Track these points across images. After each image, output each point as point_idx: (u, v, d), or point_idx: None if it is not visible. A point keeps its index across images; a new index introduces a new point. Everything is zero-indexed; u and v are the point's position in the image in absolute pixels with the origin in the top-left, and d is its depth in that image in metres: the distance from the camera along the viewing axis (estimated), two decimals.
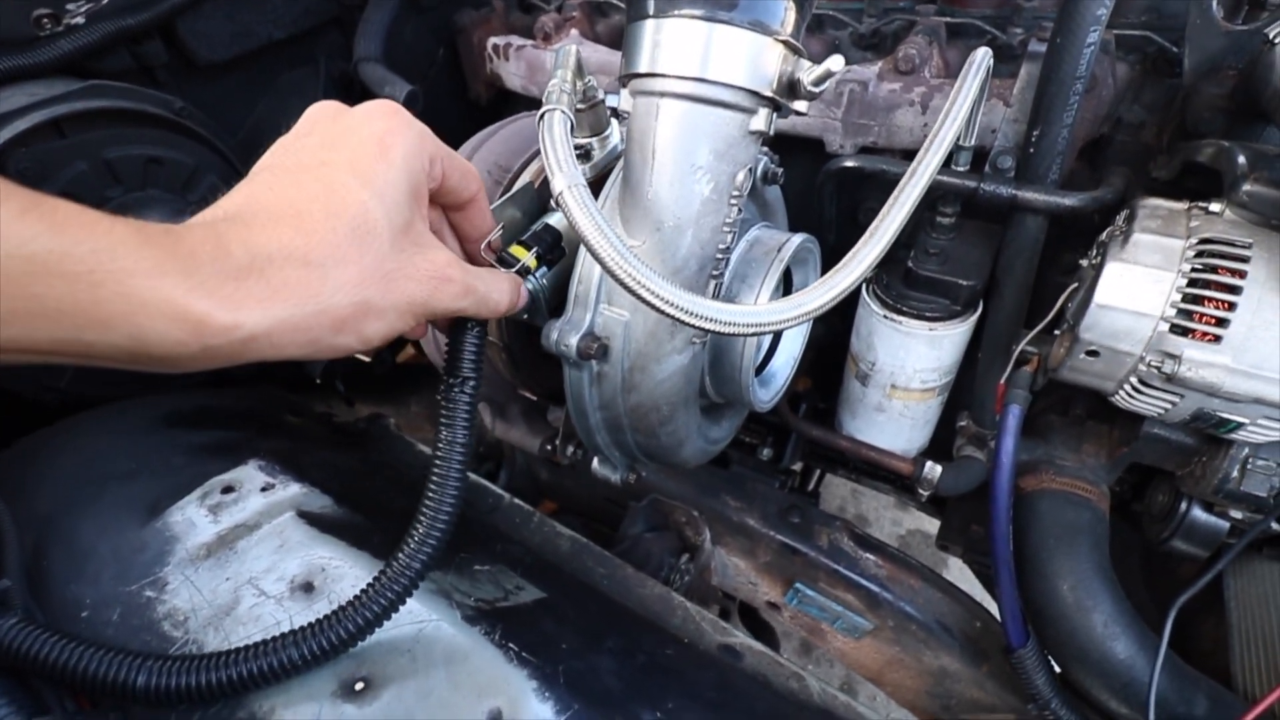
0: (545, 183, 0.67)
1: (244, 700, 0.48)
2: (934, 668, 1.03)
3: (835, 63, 0.44)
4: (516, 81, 1.21)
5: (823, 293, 0.45)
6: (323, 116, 0.47)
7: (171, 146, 0.85)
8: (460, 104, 1.32)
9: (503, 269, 0.54)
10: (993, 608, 1.07)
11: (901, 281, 0.91)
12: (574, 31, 1.18)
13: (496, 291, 0.49)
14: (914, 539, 2.09)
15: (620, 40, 1.20)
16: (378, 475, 0.86)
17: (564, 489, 1.29)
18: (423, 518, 0.50)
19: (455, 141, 0.84)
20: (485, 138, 0.73)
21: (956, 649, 1.00)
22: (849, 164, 0.88)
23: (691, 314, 0.40)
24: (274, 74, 1.06)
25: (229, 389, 0.98)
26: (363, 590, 0.49)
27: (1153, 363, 0.70)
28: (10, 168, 0.73)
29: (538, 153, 0.70)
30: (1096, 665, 0.83)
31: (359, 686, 0.49)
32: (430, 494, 0.50)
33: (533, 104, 1.17)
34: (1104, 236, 0.78)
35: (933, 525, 2.14)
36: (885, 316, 0.91)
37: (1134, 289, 0.70)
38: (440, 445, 0.50)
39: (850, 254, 0.48)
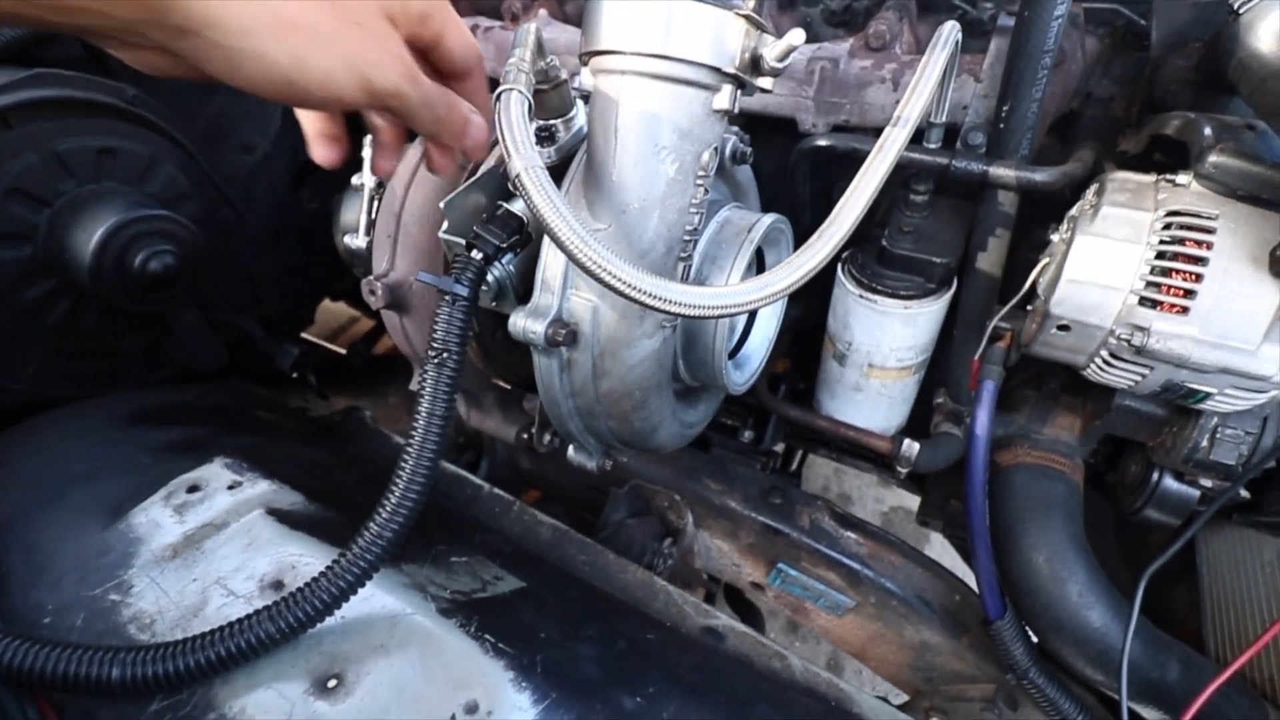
0: None
1: (215, 701, 0.47)
2: (915, 641, 1.04)
3: (796, 36, 0.43)
4: (485, 64, 1.18)
5: (789, 272, 0.45)
6: None
7: (125, 136, 0.83)
8: None
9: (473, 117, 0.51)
10: (973, 581, 1.08)
11: (876, 260, 0.91)
12: (542, 12, 1.16)
13: (445, 106, 0.48)
14: (896, 515, 2.12)
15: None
16: (352, 469, 0.85)
17: (546, 477, 1.29)
18: (393, 492, 0.50)
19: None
20: None
21: (937, 622, 1.02)
22: (821, 143, 0.88)
23: (655, 297, 0.40)
24: None
25: (194, 385, 0.96)
26: (340, 556, 0.49)
27: (1122, 336, 0.71)
28: None
29: None
30: (1072, 634, 0.84)
31: (331, 684, 0.49)
32: (402, 468, 0.50)
33: None
34: (1074, 211, 0.78)
35: (915, 501, 2.17)
36: (861, 296, 0.91)
37: (1103, 263, 0.70)
38: (417, 420, 0.49)
39: (817, 233, 0.47)
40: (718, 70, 0.48)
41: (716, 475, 1.11)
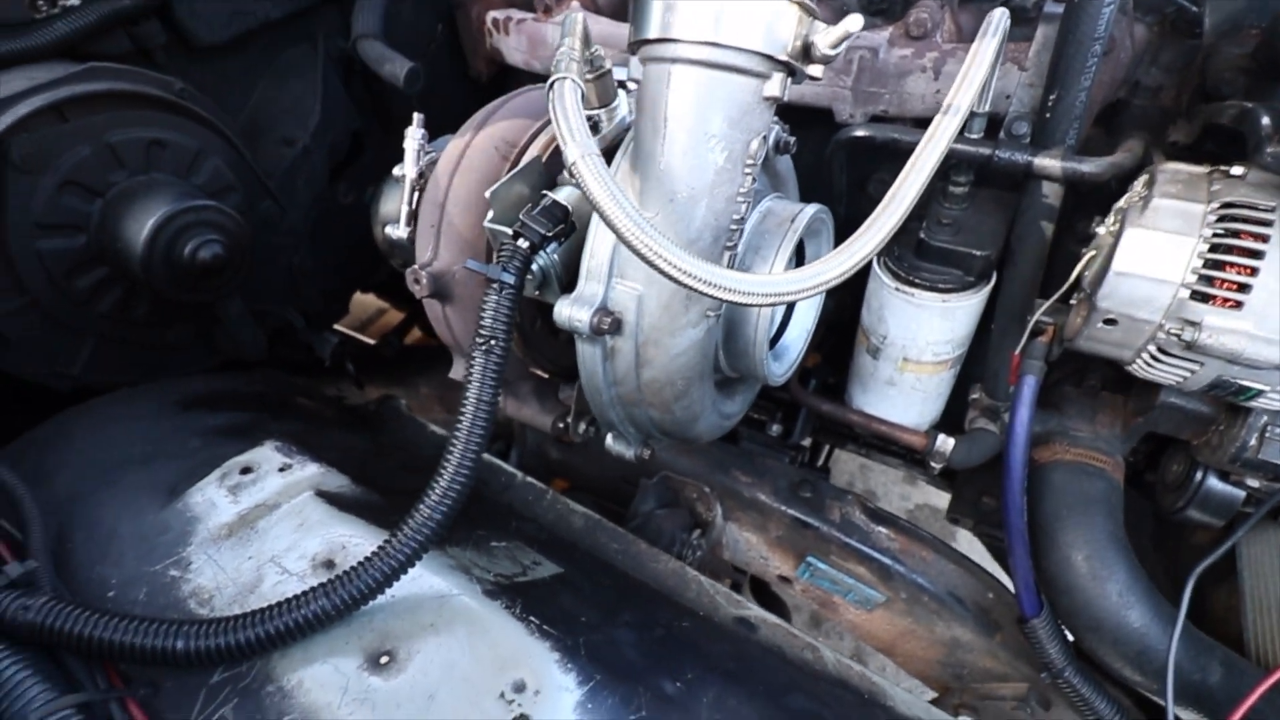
0: (552, 157, 0.67)
1: (273, 674, 0.49)
2: (946, 638, 1.04)
3: (853, 23, 0.43)
4: (518, 56, 1.19)
5: (841, 261, 0.45)
6: None
7: (174, 129, 0.85)
8: (461, 82, 1.30)
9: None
10: (1004, 579, 1.07)
11: (913, 253, 0.90)
12: (574, 3, 1.16)
13: None
14: (922, 513, 2.10)
15: (622, 12, 1.18)
16: (390, 456, 0.87)
17: (575, 467, 1.30)
18: (442, 475, 0.51)
19: (457, 121, 0.83)
20: (490, 113, 0.72)
21: (969, 620, 1.01)
22: (859, 133, 0.87)
23: (711, 284, 0.40)
24: (272, 54, 1.05)
25: (237, 373, 0.98)
26: (392, 536, 0.50)
27: (1172, 330, 0.69)
28: (13, 153, 0.73)
29: (544, 127, 0.69)
30: (1111, 634, 0.83)
31: (384, 660, 0.50)
32: (450, 452, 0.51)
33: (534, 79, 1.15)
34: (1122, 203, 0.76)
35: (941, 500, 2.14)
36: (897, 289, 0.90)
37: (1154, 255, 0.68)
38: (465, 406, 0.50)
39: (868, 222, 0.47)
40: (769, 58, 0.47)
41: (746, 468, 1.11)
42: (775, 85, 0.49)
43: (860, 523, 1.04)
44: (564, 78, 0.46)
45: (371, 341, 1.50)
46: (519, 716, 0.48)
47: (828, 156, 0.93)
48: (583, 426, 0.82)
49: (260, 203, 0.96)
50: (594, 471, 1.28)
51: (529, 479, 0.95)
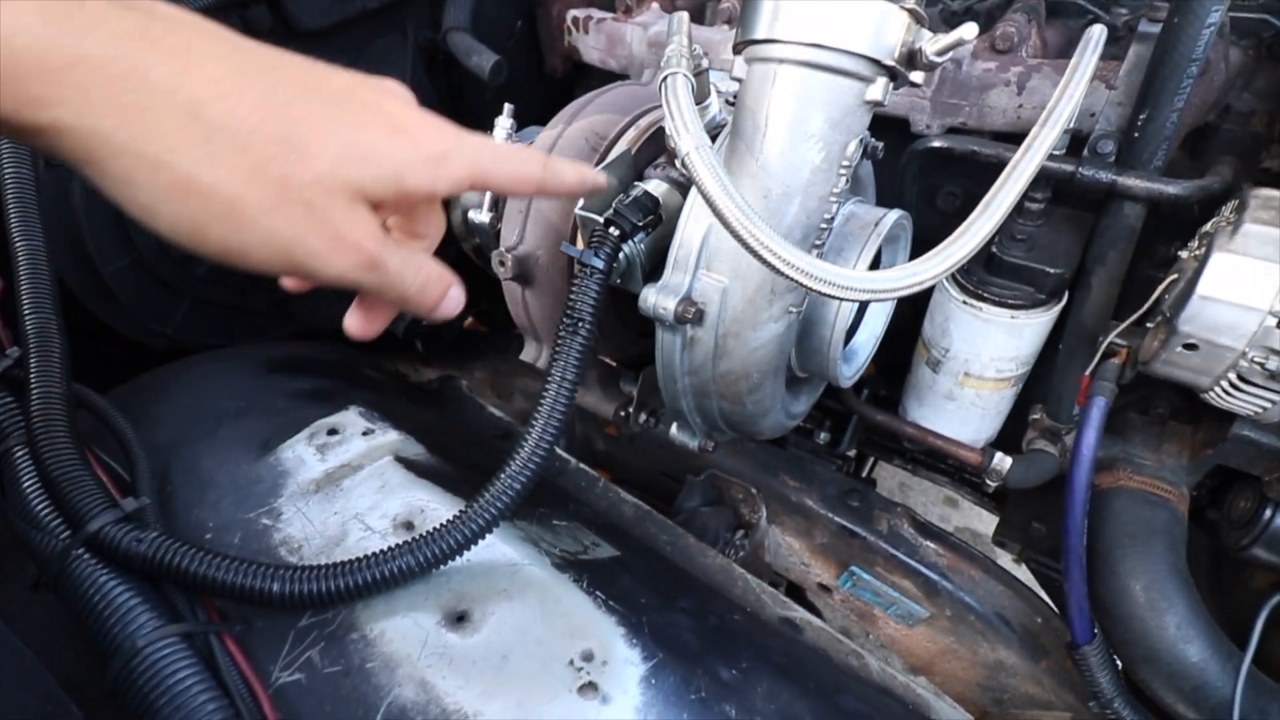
0: (641, 150, 0.69)
1: (356, 623, 0.51)
2: (990, 660, 1.02)
3: (968, 31, 0.44)
4: (595, 55, 1.21)
5: (936, 264, 0.45)
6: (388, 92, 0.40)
7: None
8: (535, 77, 1.33)
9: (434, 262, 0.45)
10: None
11: (983, 267, 0.90)
12: (654, 5, 1.18)
13: (414, 277, 0.41)
14: (962, 536, 2.06)
15: (699, 15, 1.20)
16: (457, 432, 0.90)
17: (619, 460, 1.32)
18: (523, 447, 0.53)
19: (530, 115, 0.86)
20: (581, 106, 0.75)
21: (1015, 642, 0.99)
22: (937, 144, 0.87)
23: (813, 277, 0.41)
24: (365, 42, 1.09)
25: (312, 343, 1.03)
26: (473, 502, 0.52)
27: (1255, 359, 0.68)
28: None
29: (634, 121, 0.71)
30: (1167, 667, 0.81)
31: (460, 619, 0.52)
32: (532, 425, 0.53)
33: (609, 78, 1.18)
34: (1209, 227, 0.75)
35: (982, 524, 2.10)
36: (965, 302, 0.90)
37: (1241, 281, 0.67)
38: (549, 382, 0.52)
39: (963, 227, 0.48)
40: (875, 62, 0.48)
41: (795, 472, 1.11)
42: (878, 89, 0.50)
43: (908, 535, 1.03)
44: (676, 72, 0.48)
45: (431, 324, 1.54)
46: (587, 684, 0.49)
47: (901, 166, 0.93)
48: (643, 417, 0.83)
49: None
50: (639, 465, 1.29)
51: (582, 465, 0.97)
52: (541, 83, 1.33)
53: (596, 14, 1.21)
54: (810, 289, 0.42)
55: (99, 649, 0.48)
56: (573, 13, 1.23)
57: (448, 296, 0.44)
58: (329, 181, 0.35)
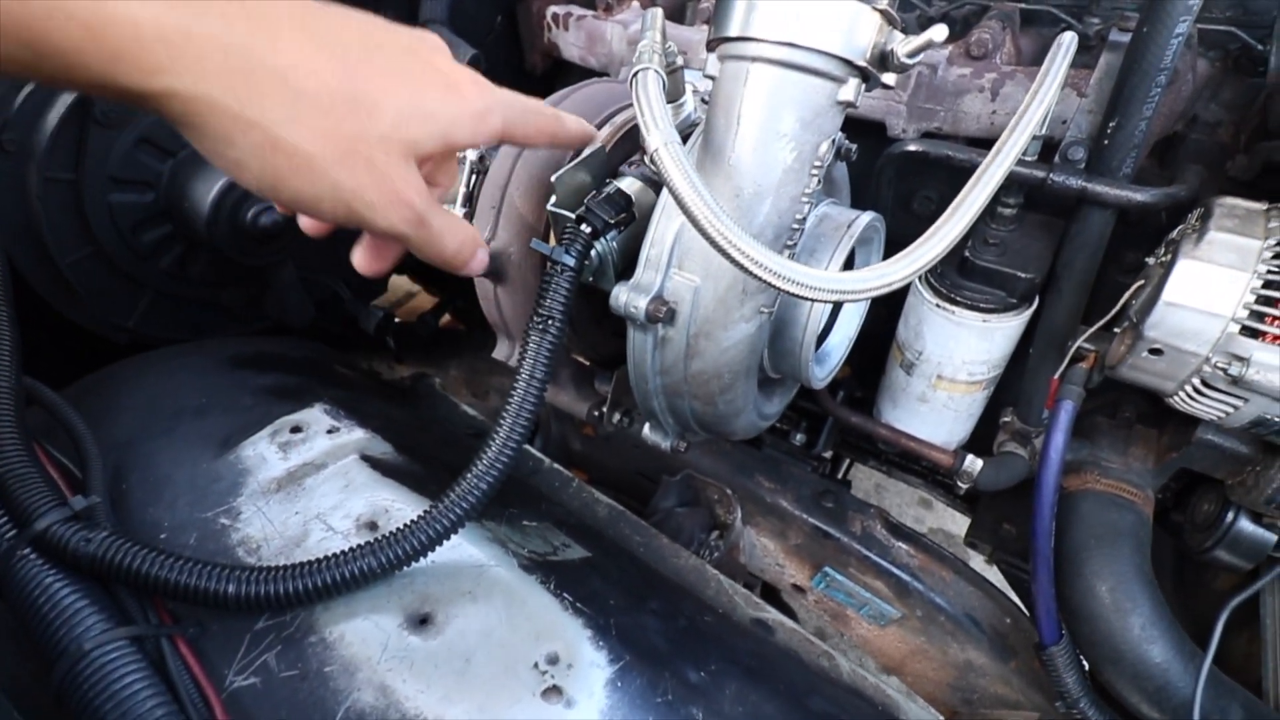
0: (615, 147, 0.68)
1: (315, 625, 0.50)
2: (959, 660, 1.03)
3: (938, 32, 0.44)
4: (574, 52, 1.21)
5: (905, 265, 0.45)
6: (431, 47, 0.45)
7: None
8: (515, 74, 1.32)
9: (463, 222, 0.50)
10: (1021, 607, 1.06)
11: (956, 271, 0.91)
12: (634, 3, 1.18)
13: (453, 243, 0.47)
14: (936, 538, 2.08)
15: (679, 14, 1.20)
16: (428, 430, 0.88)
17: (595, 460, 1.31)
18: (490, 447, 0.52)
19: None
20: (557, 101, 0.74)
21: (985, 643, 1.00)
22: (912, 148, 0.87)
23: (782, 277, 0.41)
24: None
25: (282, 339, 1.01)
26: (438, 502, 0.52)
27: (1219, 364, 0.69)
28: (96, 109, 0.75)
29: (609, 118, 0.71)
30: (1131, 667, 0.82)
31: (423, 621, 0.51)
32: (500, 425, 0.52)
33: (589, 75, 1.17)
34: (1175, 234, 0.76)
35: (956, 525, 2.13)
36: (937, 305, 0.90)
37: (1205, 288, 0.68)
38: (517, 381, 0.52)
39: (933, 229, 0.48)
40: (847, 62, 0.48)
41: (770, 473, 1.11)
42: (850, 90, 0.50)
43: (881, 537, 1.04)
44: (647, 68, 0.47)
45: (405, 321, 1.52)
46: (552, 687, 0.49)
47: (876, 170, 0.93)
48: (617, 417, 0.83)
49: None
50: (614, 465, 1.29)
51: (556, 466, 0.96)
52: (521, 79, 1.32)
53: (577, 11, 1.20)
54: (780, 289, 0.41)
55: (44, 653, 0.46)
56: (553, 9, 1.22)
57: (476, 257, 0.50)
58: (391, 140, 0.40)
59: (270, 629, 0.50)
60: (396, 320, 1.20)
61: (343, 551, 0.50)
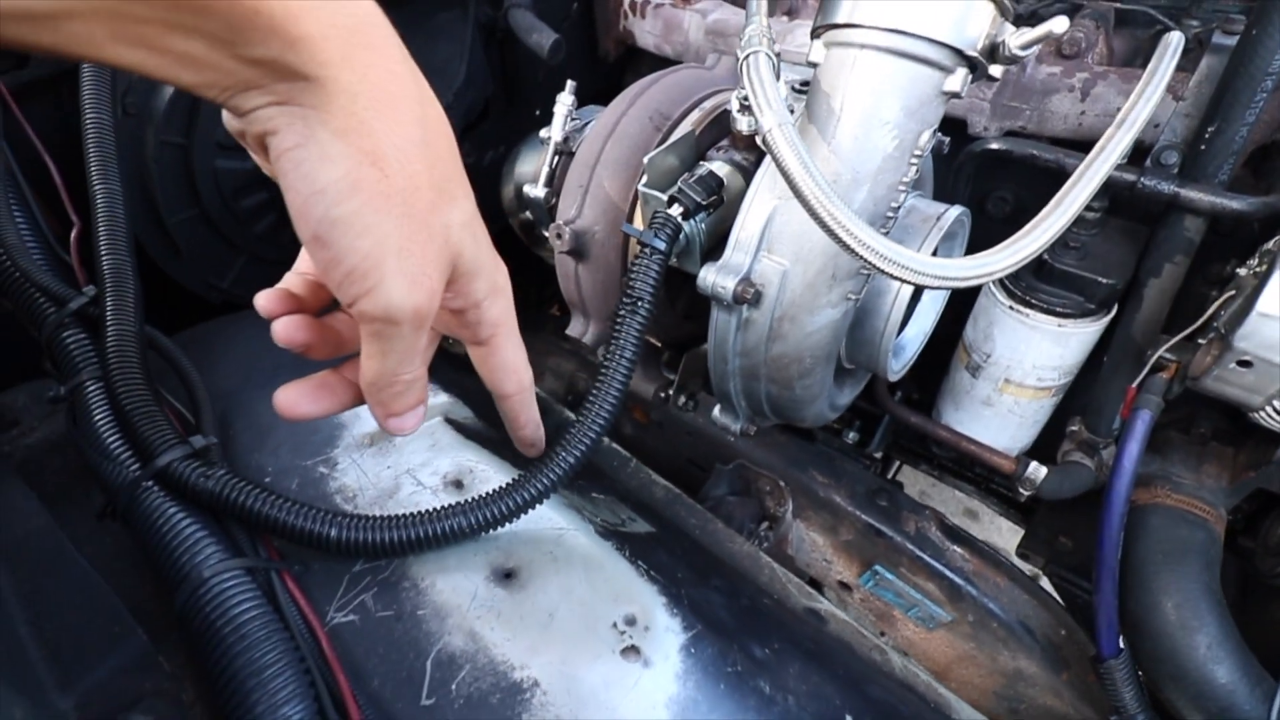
0: (705, 131, 0.69)
1: (409, 573, 0.53)
2: (1009, 669, 1.02)
3: (1059, 24, 0.44)
4: (650, 40, 1.22)
5: (1008, 255, 0.45)
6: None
7: None
8: (588, 60, 1.34)
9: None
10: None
11: (1033, 274, 0.89)
12: None
13: (417, 367, 0.44)
14: None
15: (765, 4, 1.20)
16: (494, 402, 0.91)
17: (647, 446, 1.32)
18: (581, 420, 0.54)
19: (581, 97, 0.87)
20: (646, 86, 0.75)
21: (1037, 652, 0.99)
22: (996, 146, 0.86)
23: (889, 260, 0.42)
24: (427, 15, 1.11)
25: None
26: (530, 471, 0.54)
27: None
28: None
29: (698, 103, 0.72)
30: (1194, 687, 0.80)
31: (508, 576, 0.53)
32: (591, 400, 0.54)
33: (662, 64, 1.18)
34: (1271, 245, 0.74)
35: (1001, 538, 2.08)
36: (1011, 308, 0.89)
37: None
38: (608, 359, 0.53)
39: (1033, 223, 0.48)
40: (957, 52, 0.49)
41: (824, 468, 1.11)
42: (957, 80, 0.50)
43: (935, 538, 1.03)
44: (758, 51, 0.48)
45: None
46: (630, 647, 0.50)
47: (956, 167, 0.93)
48: (683, 399, 0.84)
49: None
50: (665, 452, 1.30)
51: (615, 445, 0.98)
52: (594, 66, 1.34)
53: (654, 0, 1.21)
54: (886, 272, 0.42)
55: (165, 578, 0.50)
56: None
57: (413, 412, 0.47)
58: (454, 235, 0.39)
59: (367, 572, 0.53)
60: None
61: (435, 509, 0.53)
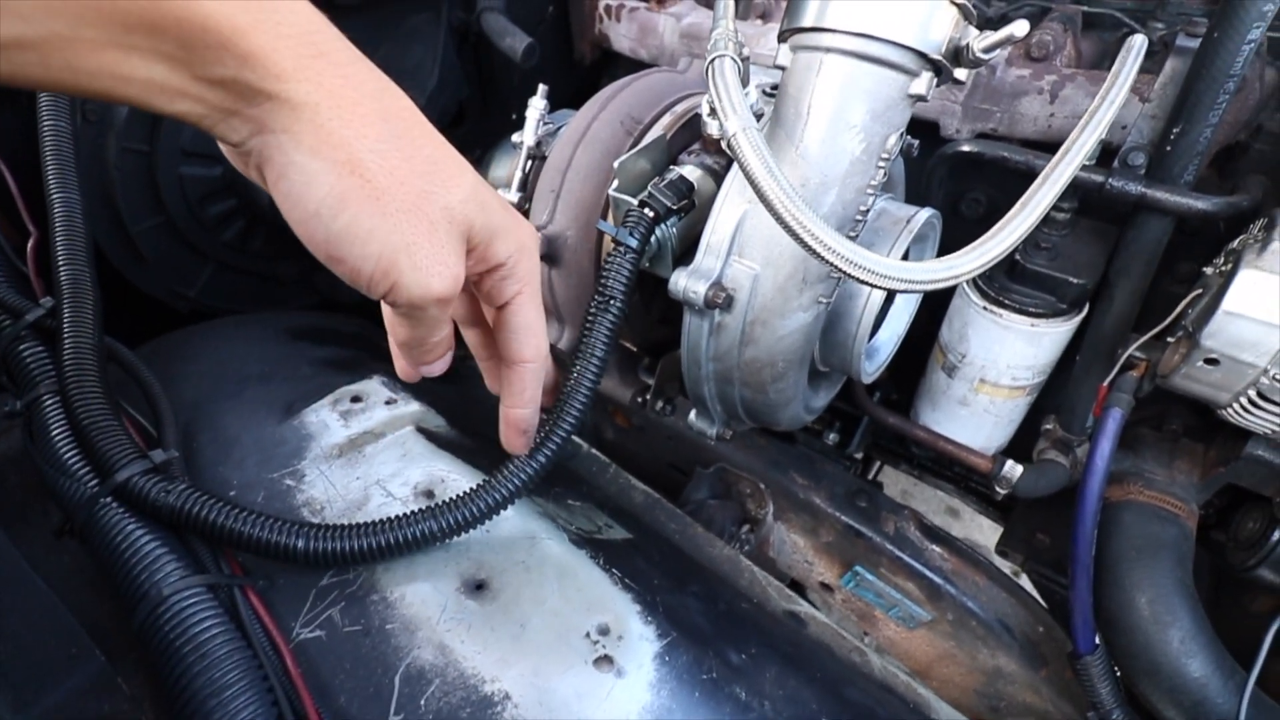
0: (675, 136, 0.69)
1: (377, 585, 0.52)
2: (988, 667, 1.02)
3: (1020, 28, 0.44)
4: (625, 43, 1.22)
5: (974, 258, 0.46)
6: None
7: None
8: (563, 63, 1.33)
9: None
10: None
11: (1005, 274, 0.90)
12: None
13: (445, 328, 0.46)
14: None
15: (732, 7, 1.20)
16: (472, 408, 0.90)
17: (627, 450, 1.32)
18: (553, 415, 0.54)
19: (557, 100, 0.86)
20: (617, 90, 0.75)
21: (1016, 650, 0.99)
22: (967, 149, 0.87)
23: (854, 264, 0.42)
24: (399, 18, 1.10)
25: (331, 314, 1.03)
26: (497, 472, 0.53)
27: (1277, 376, 0.68)
28: None
29: (669, 107, 0.72)
30: (1168, 681, 0.81)
31: (479, 586, 0.53)
32: (559, 402, 0.53)
33: (638, 67, 1.18)
34: (1236, 244, 0.75)
35: (982, 535, 2.10)
36: (985, 308, 0.90)
37: (1267, 298, 0.67)
38: (577, 359, 0.53)
39: (1001, 223, 0.48)
40: (921, 55, 0.49)
41: (804, 470, 1.11)
42: (922, 84, 0.50)
43: (914, 538, 1.04)
44: (724, 55, 0.48)
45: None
46: (603, 656, 0.50)
47: (928, 169, 0.93)
48: (660, 404, 0.84)
49: None
50: (646, 456, 1.30)
51: (594, 450, 0.97)
52: (569, 69, 1.33)
53: (629, 3, 1.21)
54: (851, 276, 0.42)
55: (124, 596, 0.48)
56: (605, 0, 1.23)
57: (441, 360, 0.51)
58: (456, 212, 0.40)
59: (334, 586, 0.52)
60: None
61: (404, 514, 0.52)
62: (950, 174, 0.95)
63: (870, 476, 1.54)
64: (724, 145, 0.45)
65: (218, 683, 0.43)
